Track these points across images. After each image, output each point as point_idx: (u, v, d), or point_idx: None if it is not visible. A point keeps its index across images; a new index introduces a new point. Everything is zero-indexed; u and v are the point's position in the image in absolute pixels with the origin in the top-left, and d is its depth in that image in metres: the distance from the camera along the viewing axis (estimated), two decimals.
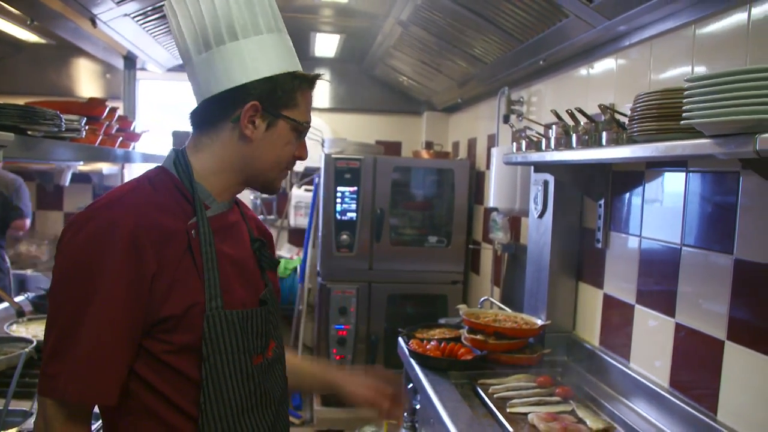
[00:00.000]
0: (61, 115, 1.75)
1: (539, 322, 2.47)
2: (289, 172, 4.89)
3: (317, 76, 1.29)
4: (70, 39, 2.65)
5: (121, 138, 2.66)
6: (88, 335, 1.05)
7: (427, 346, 2.55)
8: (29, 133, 1.65)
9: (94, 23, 2.35)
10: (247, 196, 4.94)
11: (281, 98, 1.22)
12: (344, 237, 4.03)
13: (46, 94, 4.46)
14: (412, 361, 2.49)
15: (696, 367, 1.79)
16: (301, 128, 1.26)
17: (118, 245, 1.07)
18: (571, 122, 2.07)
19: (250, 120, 1.21)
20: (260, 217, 4.95)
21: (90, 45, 2.83)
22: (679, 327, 1.87)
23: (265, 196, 4.93)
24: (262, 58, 1.20)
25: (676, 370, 1.88)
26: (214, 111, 1.23)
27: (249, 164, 1.25)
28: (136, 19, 2.59)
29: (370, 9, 3.44)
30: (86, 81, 4.80)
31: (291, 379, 1.44)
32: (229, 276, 1.21)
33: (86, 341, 1.05)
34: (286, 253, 5.01)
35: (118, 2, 2.29)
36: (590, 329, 2.42)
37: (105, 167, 4.44)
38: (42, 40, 4.16)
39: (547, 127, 2.21)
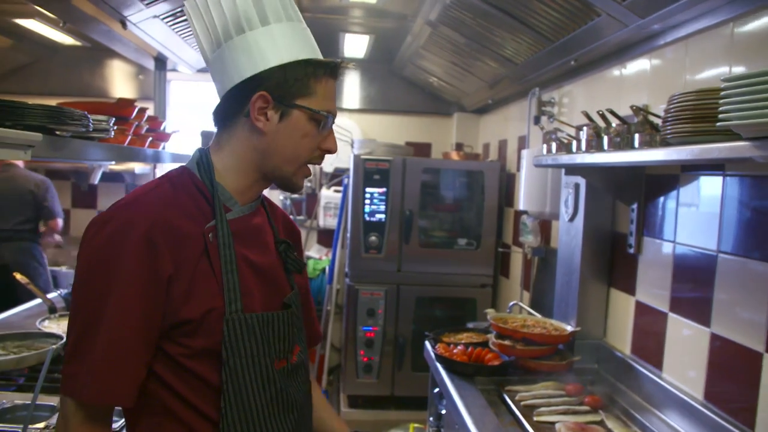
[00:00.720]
0: (89, 116, 1.76)
1: (569, 329, 2.42)
2: (314, 168, 4.94)
3: (337, 63, 1.23)
4: (102, 41, 2.68)
5: (150, 138, 2.68)
6: (104, 336, 1.05)
7: (454, 351, 2.51)
8: (57, 133, 1.66)
9: (124, 25, 2.37)
10: (276, 197, 4.96)
11: (293, 87, 1.18)
12: (373, 238, 4.01)
13: (81, 95, 4.54)
14: (438, 366, 2.46)
15: (732, 380, 1.72)
16: (319, 117, 1.20)
17: (133, 245, 1.07)
18: (602, 124, 2.01)
19: (260, 112, 1.18)
20: None
21: (121, 47, 2.86)
22: (714, 337, 1.80)
23: (295, 196, 4.95)
24: (270, 48, 1.18)
25: (711, 381, 1.81)
26: (229, 107, 1.22)
27: (265, 159, 1.22)
28: (166, 20, 2.60)
29: (398, 9, 3.42)
30: (120, 82, 4.87)
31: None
32: (249, 280, 1.20)
33: (102, 342, 1.05)
34: (315, 253, 5.01)
35: (148, 4, 2.31)
36: (621, 337, 2.36)
37: (137, 167, 4.50)
38: (77, 43, 4.23)
39: (578, 128, 2.16)
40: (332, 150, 1.25)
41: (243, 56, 1.18)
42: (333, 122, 1.24)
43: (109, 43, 2.75)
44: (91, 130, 1.77)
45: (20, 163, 4.43)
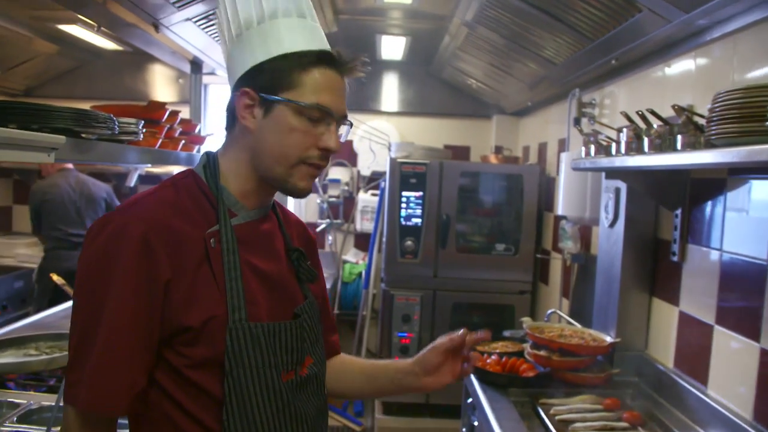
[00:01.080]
0: (115, 118, 1.75)
1: (608, 339, 2.31)
2: (351, 171, 4.90)
3: (327, 52, 1.16)
4: (138, 45, 2.70)
5: (183, 141, 2.67)
6: (100, 342, 1.01)
7: (488, 360, 2.43)
8: (83, 136, 1.65)
9: (157, 28, 2.37)
10: (313, 200, 4.95)
11: (276, 79, 1.12)
12: (409, 243, 3.95)
13: (122, 98, 4.61)
14: (472, 376, 2.38)
15: None
16: (305, 111, 1.12)
17: (128, 249, 1.03)
18: (643, 125, 1.91)
19: (247, 110, 1.14)
20: (326, 221, 4.97)
21: (158, 50, 2.88)
22: (764, 352, 1.68)
23: (332, 199, 4.92)
24: (260, 44, 1.14)
25: (761, 400, 1.69)
26: (227, 110, 1.20)
27: (256, 160, 1.17)
28: (199, 23, 2.60)
29: (434, 10, 3.36)
30: (161, 86, 4.94)
31: (365, 383, 1.42)
32: (254, 288, 1.15)
33: (98, 348, 1.01)
34: (352, 257, 4.97)
35: (179, 7, 2.30)
36: (664, 349, 2.24)
37: (176, 169, 4.54)
38: (119, 47, 4.30)
39: (619, 130, 2.06)
40: (331, 148, 1.15)
41: (238, 58, 1.17)
42: (333, 117, 1.15)
43: (145, 47, 2.77)
44: (117, 132, 1.76)
45: (70, 166, 4.49)
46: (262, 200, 1.23)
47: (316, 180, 4.80)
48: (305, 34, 1.16)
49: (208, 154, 1.22)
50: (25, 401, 1.93)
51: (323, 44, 1.19)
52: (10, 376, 2.12)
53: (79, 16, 2.38)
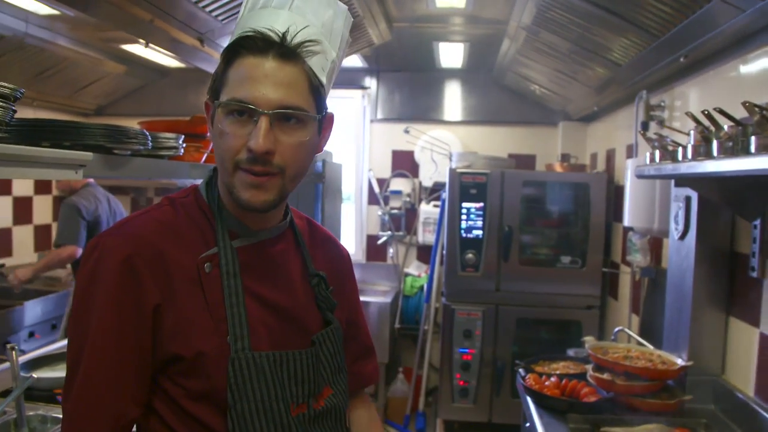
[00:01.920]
0: (148, 133, 1.73)
1: (679, 362, 2.11)
2: (412, 182, 4.80)
3: (241, 38, 1.00)
4: (187, 60, 2.72)
5: None
6: (81, 373, 0.96)
7: (546, 383, 2.28)
8: (116, 152, 1.64)
9: (202, 43, 2.37)
10: (374, 212, 4.89)
11: (214, 83, 1.03)
12: (469, 256, 3.82)
13: (188, 114, 4.69)
14: (528, 399, 2.23)
15: None
16: (223, 109, 0.99)
17: (111, 273, 0.97)
18: (712, 127, 1.73)
19: (209, 121, 1.07)
20: (387, 233, 4.90)
21: (207, 64, 2.90)
22: None
23: (393, 211, 4.85)
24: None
25: None
26: None
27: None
28: None
29: (491, 15, 3.24)
30: None
31: None
32: (256, 316, 1.05)
33: (79, 379, 0.96)
34: (414, 270, 4.88)
35: (222, 20, 2.29)
36: (743, 375, 2.02)
37: None
38: (182, 65, 4.38)
39: (688, 134, 1.88)
40: (251, 149, 0.97)
41: None
42: (255, 111, 0.97)
43: (194, 62, 2.79)
44: (150, 147, 1.73)
45: (91, 180, 4.29)
46: (267, 220, 1.13)
47: (377, 191, 4.83)
48: (260, 24, 1.01)
49: (214, 169, 1.13)
50: None
51: (279, 26, 1.01)
52: (58, 390, 2.14)
53: (127, 35, 2.41)
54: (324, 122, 1.10)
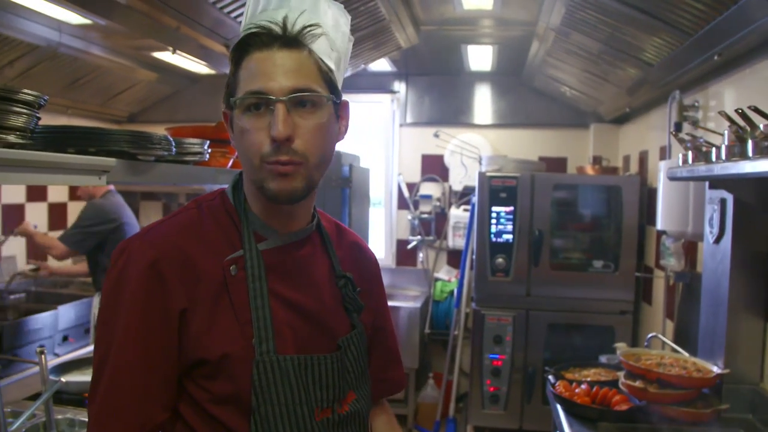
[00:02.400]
0: (172, 139, 1.74)
1: (715, 370, 2.04)
2: (442, 186, 4.76)
3: (246, 36, 1.01)
4: (215, 66, 2.74)
5: None
6: (106, 378, 0.97)
7: (576, 390, 2.23)
8: (140, 157, 1.65)
9: (228, 48, 2.38)
10: (404, 216, 4.87)
11: (229, 89, 1.04)
12: (500, 260, 3.78)
13: (217, 120, 4.74)
14: (558, 407, 2.19)
15: None
16: (244, 105, 0.99)
17: (136, 279, 0.98)
18: (747, 126, 1.67)
19: (228, 128, 1.07)
20: (417, 237, 4.87)
21: None
22: None
23: (423, 215, 4.83)
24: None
25: None
26: None
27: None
28: None
29: (518, 16, 3.20)
30: None
31: None
32: (281, 319, 1.05)
33: (105, 384, 0.96)
34: (445, 275, 4.84)
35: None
36: None
37: None
38: (212, 72, 4.44)
39: (723, 134, 1.82)
40: (273, 137, 0.98)
41: None
42: (271, 99, 0.98)
43: (223, 68, 2.82)
44: (174, 153, 1.74)
45: (111, 187, 4.17)
46: (291, 222, 1.12)
47: (407, 195, 4.81)
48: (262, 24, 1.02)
49: (241, 173, 1.14)
50: None
51: (284, 18, 1.02)
52: (87, 394, 2.17)
53: (155, 43, 2.44)
54: (340, 109, 1.10)
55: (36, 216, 4.37)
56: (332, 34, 1.07)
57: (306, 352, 1.06)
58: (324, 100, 1.03)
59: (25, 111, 1.24)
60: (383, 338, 1.31)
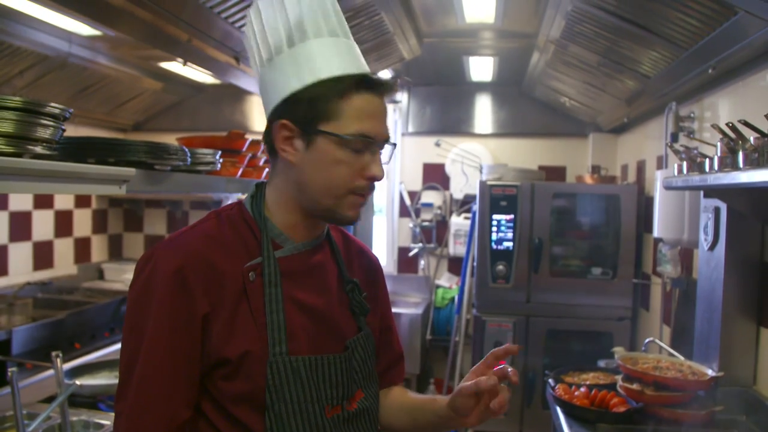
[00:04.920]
0: (187, 149, 1.80)
1: (709, 373, 2.10)
2: (443, 194, 4.82)
3: (365, 74, 1.11)
4: (222, 77, 2.81)
5: (267, 169, 2.73)
6: (138, 377, 1.03)
7: (575, 393, 2.28)
8: (156, 167, 1.72)
9: (237, 60, 2.45)
10: (406, 224, 4.93)
11: (314, 110, 1.08)
12: (500, 267, 3.84)
13: (223, 129, 4.80)
14: (558, 409, 2.24)
15: None
16: (345, 143, 1.07)
17: (164, 285, 1.04)
18: (737, 139, 1.74)
19: (286, 142, 1.11)
20: (418, 245, 4.93)
21: (241, 81, 2.98)
22: None
23: (425, 223, 4.89)
24: (294, 73, 1.09)
25: None
26: (266, 139, 1.16)
27: (301, 193, 1.13)
28: None
29: (519, 28, 3.27)
30: (259, 117, 5.11)
31: (408, 421, 1.31)
32: (296, 323, 1.12)
33: (136, 383, 1.03)
34: (446, 282, 4.90)
35: None
36: None
37: None
38: (217, 81, 4.50)
39: (716, 145, 1.89)
40: (376, 177, 1.11)
41: (272, 82, 1.12)
42: (375, 144, 1.11)
43: (230, 79, 2.88)
44: (189, 163, 1.81)
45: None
46: (310, 232, 1.19)
47: (408, 203, 4.87)
48: (340, 56, 1.11)
49: (257, 184, 1.21)
50: (109, 422, 2.01)
51: (359, 64, 1.14)
52: (99, 397, 2.22)
53: (165, 54, 2.51)
54: None
55: (42, 223, 4.43)
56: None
57: (318, 352, 1.13)
58: None
59: (51, 123, 1.30)
60: (389, 339, 1.39)
